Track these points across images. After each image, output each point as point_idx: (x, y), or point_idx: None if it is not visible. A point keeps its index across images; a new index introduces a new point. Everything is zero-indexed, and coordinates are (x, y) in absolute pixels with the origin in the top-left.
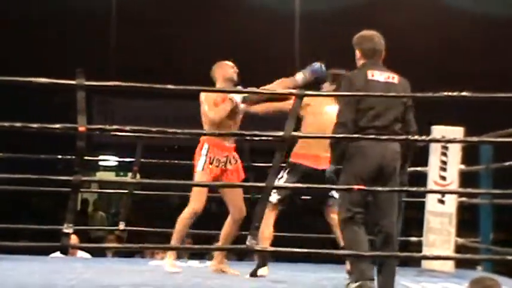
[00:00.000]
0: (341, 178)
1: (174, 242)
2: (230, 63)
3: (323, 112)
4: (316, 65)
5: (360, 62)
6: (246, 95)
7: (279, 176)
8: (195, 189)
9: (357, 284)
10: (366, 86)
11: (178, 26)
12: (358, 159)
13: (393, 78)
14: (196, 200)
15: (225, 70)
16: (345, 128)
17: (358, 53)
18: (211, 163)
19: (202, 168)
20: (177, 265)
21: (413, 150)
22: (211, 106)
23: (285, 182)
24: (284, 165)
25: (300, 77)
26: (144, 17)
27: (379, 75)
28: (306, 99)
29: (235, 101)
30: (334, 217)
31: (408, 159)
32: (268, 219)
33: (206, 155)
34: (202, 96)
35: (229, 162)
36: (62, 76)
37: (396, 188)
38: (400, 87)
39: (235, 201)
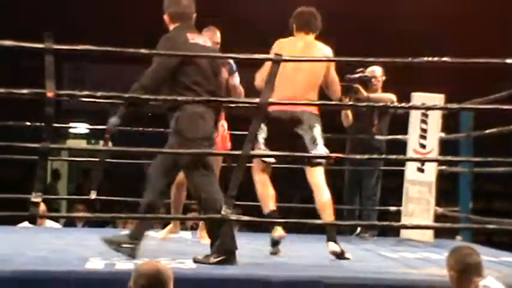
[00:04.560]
0: (174, 141)
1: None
2: (211, 31)
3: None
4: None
5: (170, 26)
6: None
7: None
8: None
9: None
10: (189, 50)
11: None
12: (198, 126)
13: (205, 41)
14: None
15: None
16: (144, 93)
17: (166, 18)
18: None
19: None
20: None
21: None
22: None
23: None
24: None
25: None
26: None
27: (198, 38)
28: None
29: None
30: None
31: None
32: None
33: None
34: None
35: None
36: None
37: (376, 156)
38: (216, 49)
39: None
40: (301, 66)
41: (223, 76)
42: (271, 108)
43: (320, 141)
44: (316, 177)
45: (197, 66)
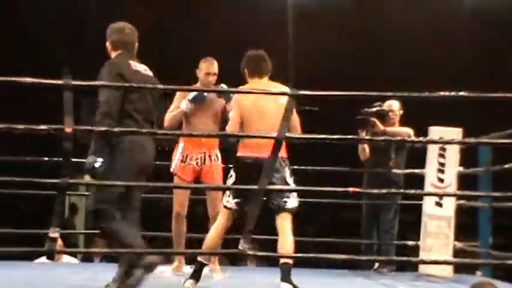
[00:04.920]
0: (110, 171)
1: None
2: (208, 63)
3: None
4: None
5: (112, 53)
6: (195, 95)
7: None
8: (173, 191)
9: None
10: (133, 76)
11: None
12: (137, 153)
13: (146, 70)
14: (175, 203)
15: (200, 70)
16: (111, 120)
17: (108, 45)
18: (183, 161)
19: (174, 167)
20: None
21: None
22: (173, 107)
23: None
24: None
25: (183, 105)
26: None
27: (139, 66)
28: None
29: (182, 109)
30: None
31: None
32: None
33: (181, 153)
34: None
35: (207, 159)
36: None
37: (394, 190)
38: (155, 79)
39: (212, 202)
40: (265, 109)
41: (220, 103)
42: (239, 153)
43: (291, 186)
44: (284, 222)
45: (140, 94)
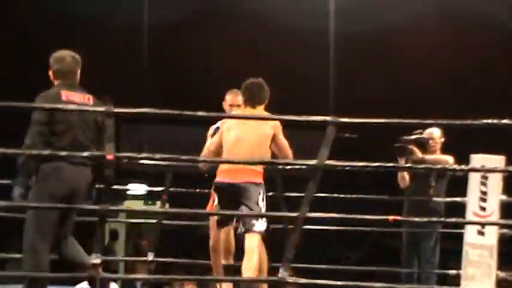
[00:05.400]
0: (32, 198)
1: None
2: (233, 94)
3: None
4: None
5: (54, 82)
6: (214, 129)
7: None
8: (209, 225)
9: None
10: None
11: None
12: (54, 180)
13: (88, 99)
14: (211, 236)
15: (225, 101)
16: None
17: (51, 74)
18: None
19: (208, 207)
20: None
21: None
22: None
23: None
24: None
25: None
26: (178, 42)
27: (74, 96)
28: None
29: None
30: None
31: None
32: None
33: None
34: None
35: None
36: None
37: (435, 219)
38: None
39: None
40: (244, 135)
41: None
42: (216, 179)
43: (262, 211)
44: (252, 242)
45: (66, 127)
